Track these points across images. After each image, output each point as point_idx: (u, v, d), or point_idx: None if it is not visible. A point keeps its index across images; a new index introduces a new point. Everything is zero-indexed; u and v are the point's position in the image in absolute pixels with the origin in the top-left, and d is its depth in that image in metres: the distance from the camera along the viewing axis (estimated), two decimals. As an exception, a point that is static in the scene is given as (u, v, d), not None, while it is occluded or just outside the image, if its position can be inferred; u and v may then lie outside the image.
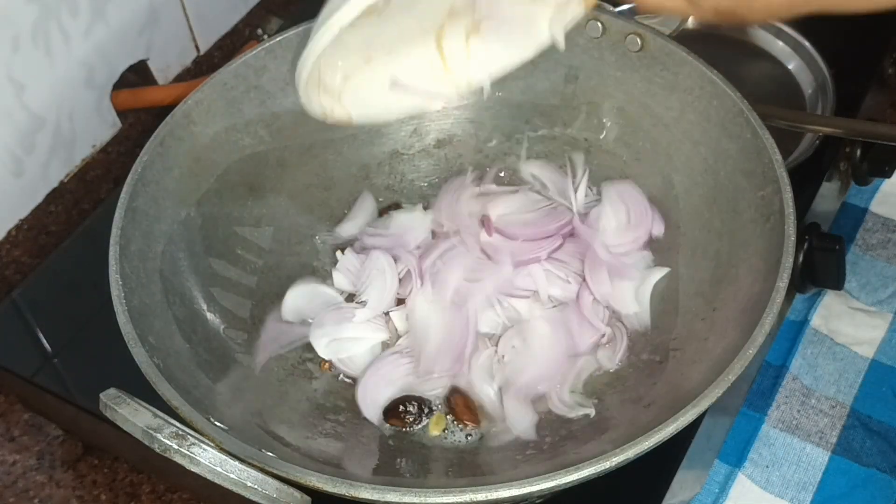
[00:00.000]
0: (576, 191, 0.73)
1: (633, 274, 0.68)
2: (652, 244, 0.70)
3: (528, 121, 0.77)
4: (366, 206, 0.76)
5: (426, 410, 0.63)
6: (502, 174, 0.77)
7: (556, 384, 0.64)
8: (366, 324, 0.67)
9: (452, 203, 0.74)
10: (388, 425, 0.63)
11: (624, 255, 0.69)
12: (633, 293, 0.68)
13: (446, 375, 0.64)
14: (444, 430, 0.63)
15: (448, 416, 0.64)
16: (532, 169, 0.76)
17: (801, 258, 0.70)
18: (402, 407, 0.63)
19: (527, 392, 0.63)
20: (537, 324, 0.66)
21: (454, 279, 0.68)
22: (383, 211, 0.76)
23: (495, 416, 0.63)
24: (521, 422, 0.62)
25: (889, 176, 0.82)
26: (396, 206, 0.77)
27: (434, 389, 0.64)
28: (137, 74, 0.89)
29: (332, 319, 0.68)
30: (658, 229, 0.70)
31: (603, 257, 0.68)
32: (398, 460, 0.61)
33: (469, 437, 0.63)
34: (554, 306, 0.68)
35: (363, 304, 0.68)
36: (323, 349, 0.67)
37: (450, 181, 0.76)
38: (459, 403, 0.63)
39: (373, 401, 0.64)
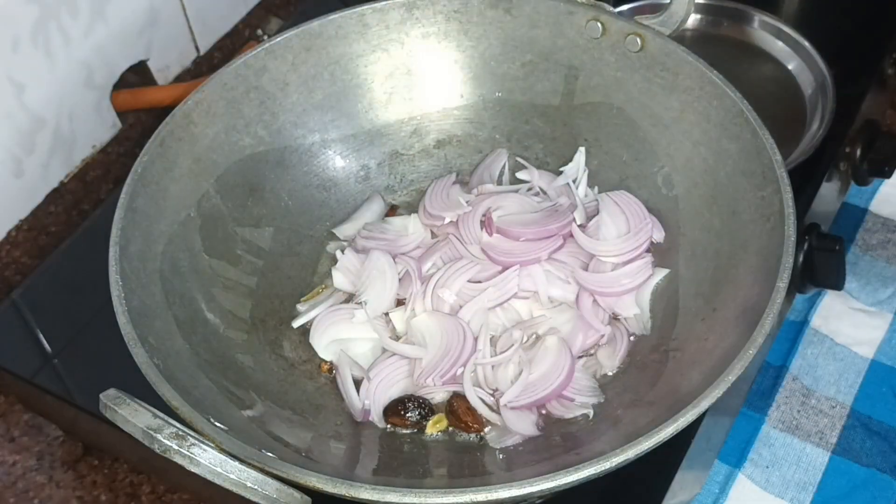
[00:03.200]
0: (577, 185, 0.74)
1: (635, 283, 0.68)
2: (652, 246, 0.70)
3: (528, 121, 0.77)
4: (373, 208, 0.76)
5: (426, 411, 0.63)
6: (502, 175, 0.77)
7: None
8: (365, 324, 0.67)
9: (444, 197, 0.74)
10: (388, 425, 0.63)
11: (627, 264, 0.69)
12: (632, 295, 0.68)
13: (440, 388, 0.64)
14: (444, 430, 0.63)
15: (449, 418, 0.63)
16: (526, 176, 0.76)
17: (801, 258, 0.70)
18: (401, 406, 0.63)
19: (525, 400, 0.63)
20: (547, 339, 0.65)
21: (454, 289, 0.68)
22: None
23: (493, 419, 0.63)
24: (520, 423, 0.62)
25: (889, 176, 0.82)
26: (393, 208, 0.77)
27: (432, 395, 0.64)
28: (137, 75, 0.89)
29: (331, 320, 0.68)
30: (658, 235, 0.70)
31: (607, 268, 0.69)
32: (398, 460, 0.61)
33: (471, 437, 0.63)
34: (554, 307, 0.68)
35: (363, 304, 0.68)
36: (323, 350, 0.67)
37: (435, 182, 0.76)
38: (461, 408, 0.63)
39: (374, 401, 0.64)
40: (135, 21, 0.86)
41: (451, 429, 0.63)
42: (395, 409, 0.63)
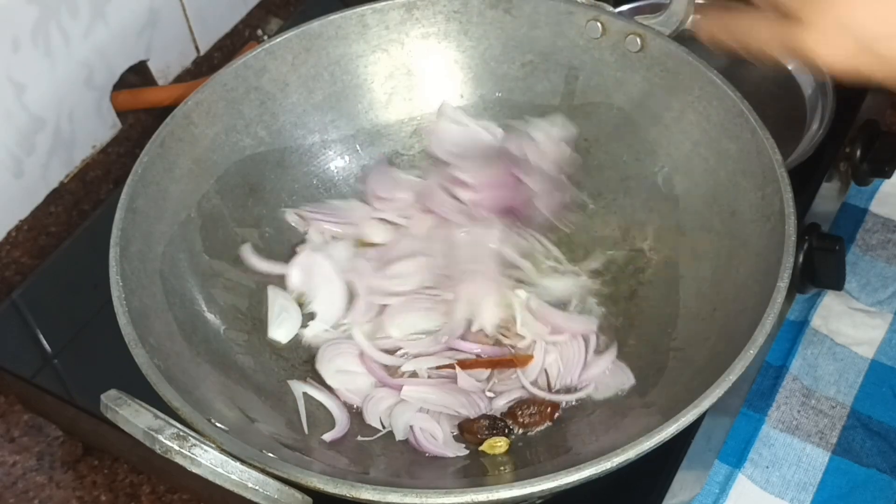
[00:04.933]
0: None
1: None
2: (651, 244, 0.70)
3: (528, 121, 0.77)
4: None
5: (498, 427, 0.62)
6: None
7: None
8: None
9: (388, 178, 0.75)
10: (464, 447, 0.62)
11: None
12: None
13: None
14: (510, 446, 0.62)
15: (529, 419, 0.63)
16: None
17: (801, 258, 0.70)
18: (475, 426, 0.62)
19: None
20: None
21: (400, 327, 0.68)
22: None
23: (563, 398, 0.64)
24: (596, 370, 0.64)
25: (889, 176, 0.82)
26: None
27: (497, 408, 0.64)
28: (137, 75, 0.90)
29: (332, 354, 0.67)
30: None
31: None
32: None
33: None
34: None
35: (313, 315, 0.68)
36: (331, 378, 0.66)
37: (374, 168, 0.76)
38: (530, 405, 0.63)
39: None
40: (135, 21, 0.86)
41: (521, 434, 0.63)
42: (469, 427, 0.62)
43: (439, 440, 0.62)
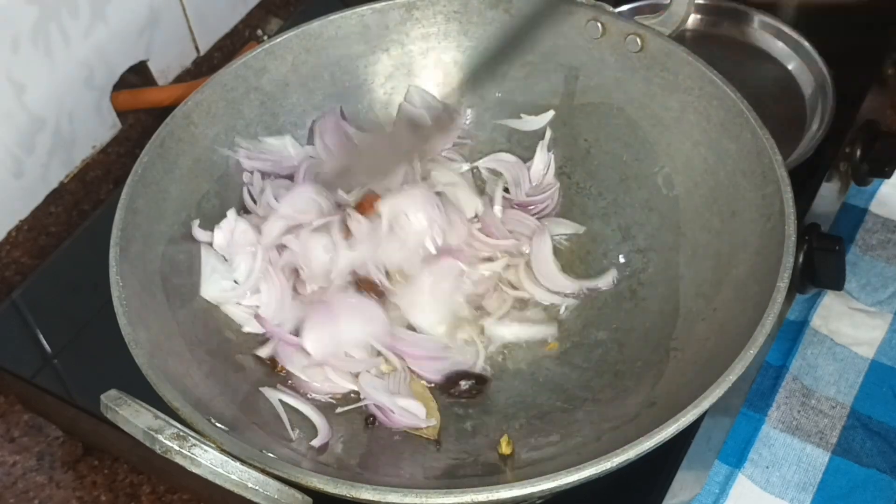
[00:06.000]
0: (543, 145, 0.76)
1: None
2: (651, 244, 0.70)
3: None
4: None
5: (479, 383, 0.62)
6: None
7: None
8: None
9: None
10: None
11: None
12: None
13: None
14: (511, 453, 0.61)
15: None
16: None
17: (801, 258, 0.70)
18: (460, 384, 0.62)
19: None
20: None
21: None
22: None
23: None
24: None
25: (889, 176, 0.82)
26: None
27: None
28: (137, 75, 0.90)
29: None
30: None
31: None
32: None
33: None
34: None
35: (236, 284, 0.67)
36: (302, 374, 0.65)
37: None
38: None
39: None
40: (135, 21, 0.86)
41: None
42: (452, 383, 0.62)
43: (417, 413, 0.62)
